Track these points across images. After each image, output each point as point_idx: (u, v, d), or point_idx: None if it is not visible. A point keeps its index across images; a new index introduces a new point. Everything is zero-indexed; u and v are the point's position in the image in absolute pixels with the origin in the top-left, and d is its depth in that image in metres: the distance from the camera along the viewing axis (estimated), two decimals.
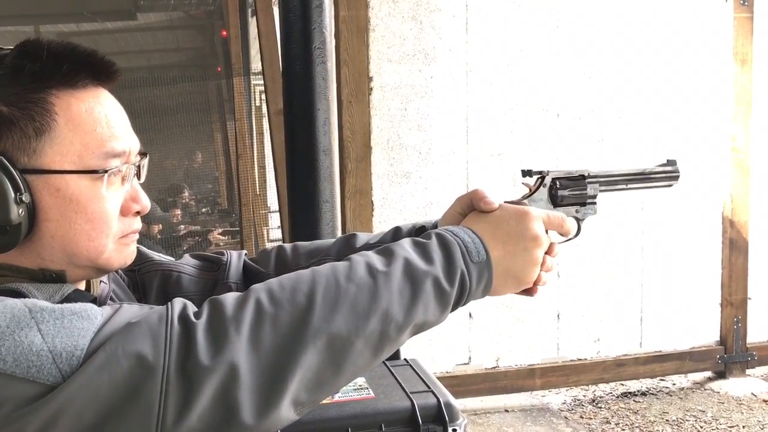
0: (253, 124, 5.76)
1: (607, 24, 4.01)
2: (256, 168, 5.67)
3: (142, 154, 0.96)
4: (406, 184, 3.77)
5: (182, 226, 5.74)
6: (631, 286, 4.21)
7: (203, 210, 6.46)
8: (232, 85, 5.55)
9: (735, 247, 4.30)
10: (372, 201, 3.71)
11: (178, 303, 0.77)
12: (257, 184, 5.68)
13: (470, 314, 3.95)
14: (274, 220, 5.34)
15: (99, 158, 0.86)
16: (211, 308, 0.76)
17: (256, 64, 5.76)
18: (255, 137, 5.88)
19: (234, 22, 6.03)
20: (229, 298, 0.77)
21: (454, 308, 0.87)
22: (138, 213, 0.94)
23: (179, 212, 5.79)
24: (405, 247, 0.86)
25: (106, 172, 0.87)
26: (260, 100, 5.43)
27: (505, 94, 3.90)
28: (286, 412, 0.75)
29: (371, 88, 3.67)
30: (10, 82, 0.83)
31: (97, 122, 0.87)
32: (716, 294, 4.36)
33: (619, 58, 4.04)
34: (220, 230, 5.89)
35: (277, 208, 4.52)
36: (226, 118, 5.82)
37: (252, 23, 5.68)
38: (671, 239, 4.23)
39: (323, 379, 0.77)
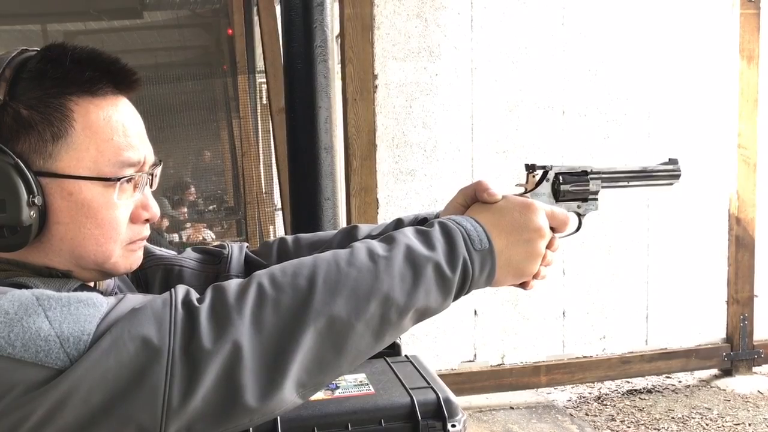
0: (259, 122, 5.77)
1: (613, 21, 4.00)
2: (262, 166, 5.67)
3: (156, 163, 0.97)
4: (411, 181, 3.77)
5: (188, 224, 5.76)
6: (636, 284, 4.21)
7: (210, 208, 6.48)
8: (236, 83, 5.56)
9: (741, 244, 4.29)
10: (377, 198, 3.71)
11: (181, 289, 0.78)
12: (263, 182, 5.69)
13: (475, 311, 3.95)
14: (281, 217, 5.35)
15: (113, 166, 0.88)
16: (214, 293, 0.77)
17: (261, 62, 5.77)
18: (261, 135, 5.89)
19: (239, 20, 6.04)
20: (232, 284, 0.79)
21: (457, 296, 0.88)
22: (147, 221, 0.95)
23: (186, 210, 5.82)
24: (407, 234, 0.87)
25: (119, 180, 0.88)
26: (266, 98, 5.43)
27: (510, 91, 3.90)
28: (289, 394, 0.77)
29: (376, 86, 3.68)
30: (32, 86, 0.84)
31: (114, 131, 0.88)
32: (722, 291, 4.35)
33: (625, 55, 4.03)
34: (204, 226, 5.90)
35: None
36: (231, 116, 5.84)
37: (257, 21, 5.69)
38: (677, 236, 4.22)
39: (325, 362, 0.78)
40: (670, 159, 1.20)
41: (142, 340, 0.71)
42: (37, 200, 0.83)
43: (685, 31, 4.11)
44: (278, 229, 5.63)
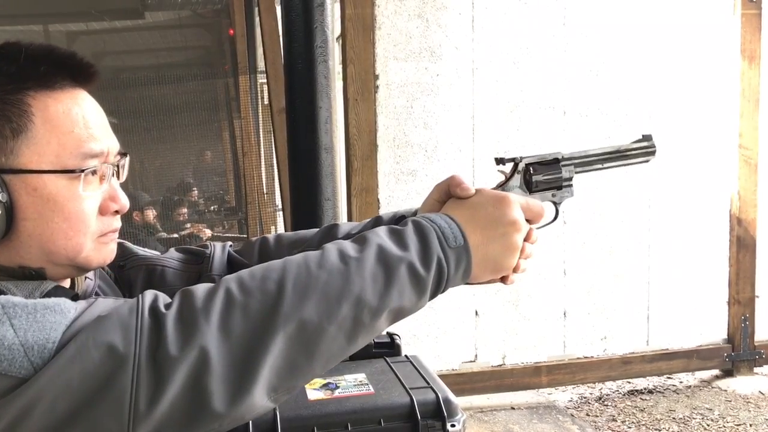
0: (260, 122, 5.77)
1: (614, 21, 4.00)
2: (263, 166, 5.67)
3: (122, 154, 0.96)
4: (412, 182, 3.78)
5: (188, 224, 5.76)
6: (637, 284, 4.20)
7: (211, 208, 6.47)
8: (237, 83, 5.56)
9: (742, 244, 4.28)
10: (378, 199, 3.71)
11: (149, 294, 0.78)
12: (264, 183, 5.68)
13: (476, 312, 3.95)
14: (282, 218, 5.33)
15: (76, 158, 0.87)
16: (182, 299, 0.76)
17: (263, 63, 5.76)
18: (263, 135, 5.88)
19: (239, 20, 6.04)
20: (200, 289, 0.78)
21: (433, 295, 0.86)
22: (117, 212, 0.95)
23: (185, 210, 5.81)
24: (379, 234, 0.86)
25: (82, 171, 0.87)
26: (267, 98, 5.42)
27: (512, 91, 3.89)
28: (260, 399, 0.76)
29: (377, 86, 3.68)
30: None
31: (74, 123, 0.88)
32: (723, 292, 4.34)
33: (626, 56, 4.03)
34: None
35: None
36: (233, 116, 5.84)
37: (259, 22, 5.68)
38: (678, 237, 4.21)
39: (296, 366, 0.77)
40: (643, 135, 1.16)
41: (107, 348, 0.70)
42: (2, 197, 0.83)
43: (686, 32, 4.10)
44: (279, 229, 5.62)
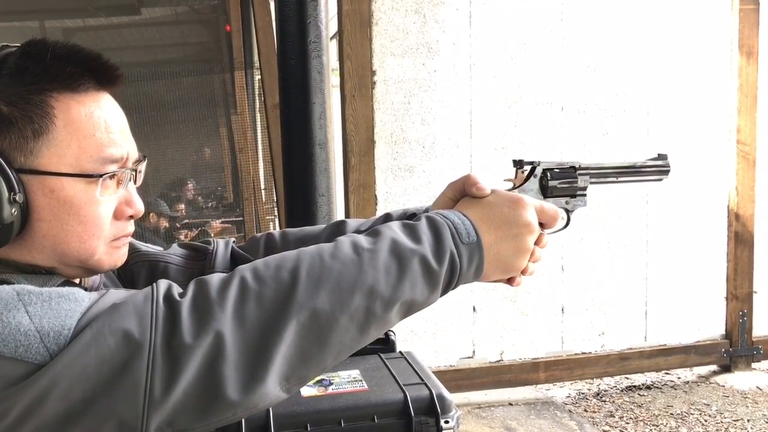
0: (258, 118, 5.76)
1: (612, 17, 3.99)
2: (261, 162, 5.65)
3: (140, 158, 0.96)
4: (410, 178, 3.77)
5: (186, 221, 5.75)
6: (635, 280, 4.20)
7: (209, 204, 6.47)
8: (233, 79, 5.55)
9: (740, 240, 4.28)
10: (375, 195, 3.71)
11: (163, 283, 0.78)
12: (262, 179, 5.67)
13: (474, 308, 3.95)
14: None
15: (96, 162, 0.87)
16: (197, 287, 0.77)
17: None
18: (260, 131, 5.87)
19: (235, 16, 6.02)
20: (215, 278, 0.78)
21: (445, 290, 0.87)
22: (131, 217, 0.95)
23: (183, 207, 5.80)
24: (393, 228, 0.86)
25: (101, 176, 0.87)
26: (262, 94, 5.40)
27: (509, 87, 3.89)
28: (273, 388, 0.76)
29: (374, 82, 3.67)
30: (12, 83, 0.83)
31: (96, 127, 0.87)
32: (721, 287, 4.34)
33: (624, 51, 4.02)
34: (219, 221, 5.89)
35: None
36: (230, 112, 5.82)
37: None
38: (676, 233, 4.21)
39: (308, 355, 0.77)
40: (659, 154, 1.19)
41: (123, 335, 0.71)
42: (19, 197, 0.82)
43: (684, 27, 4.10)
44: (276, 225, 5.61)
